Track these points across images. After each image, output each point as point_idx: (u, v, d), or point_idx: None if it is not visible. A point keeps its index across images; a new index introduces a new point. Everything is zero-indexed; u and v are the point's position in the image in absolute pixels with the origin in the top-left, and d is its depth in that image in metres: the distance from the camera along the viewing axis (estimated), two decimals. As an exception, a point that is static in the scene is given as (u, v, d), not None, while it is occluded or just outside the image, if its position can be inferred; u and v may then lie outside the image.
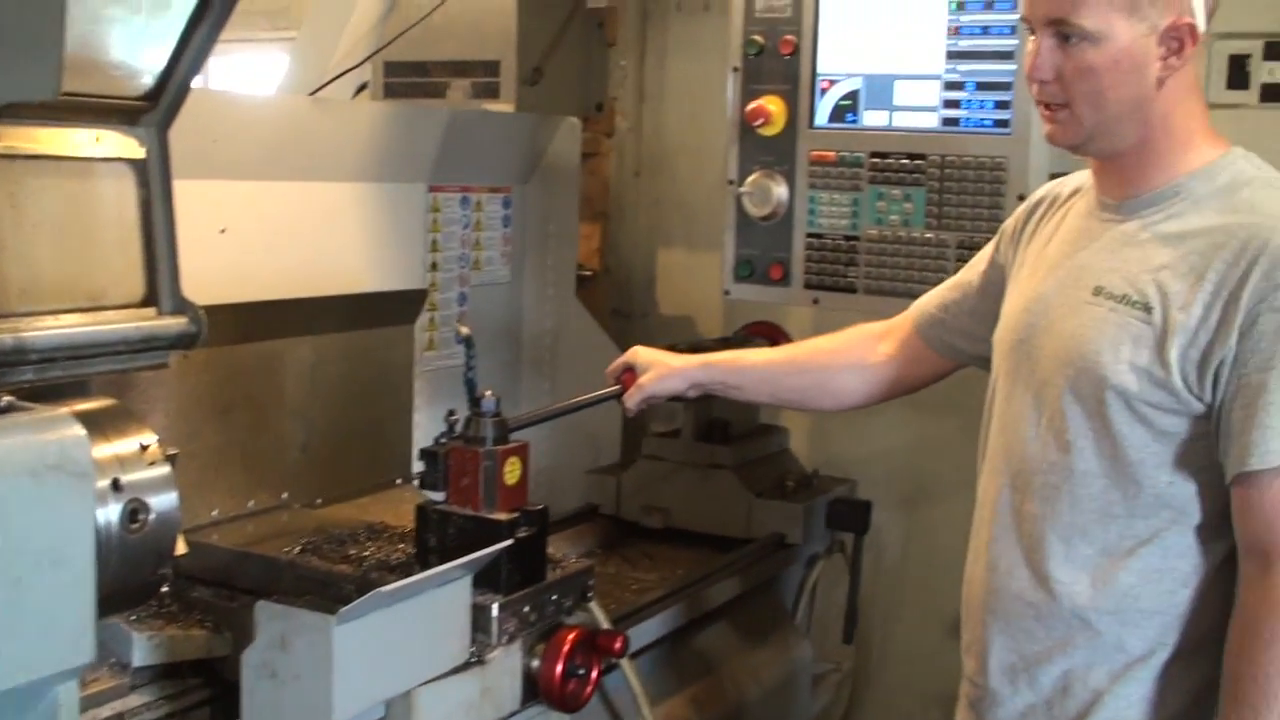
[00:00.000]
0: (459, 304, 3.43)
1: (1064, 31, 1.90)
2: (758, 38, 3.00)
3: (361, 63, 2.87)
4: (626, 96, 4.13)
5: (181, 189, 2.05)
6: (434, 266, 3.31)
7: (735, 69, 3.04)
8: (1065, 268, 2.05)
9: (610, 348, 3.55)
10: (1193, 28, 1.88)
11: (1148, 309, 1.89)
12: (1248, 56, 3.33)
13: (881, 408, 3.73)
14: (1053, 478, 1.99)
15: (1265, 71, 3.33)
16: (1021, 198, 2.57)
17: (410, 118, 3.17)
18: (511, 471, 2.20)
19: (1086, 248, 2.03)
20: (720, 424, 3.36)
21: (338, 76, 2.84)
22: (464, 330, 2.25)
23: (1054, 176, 2.31)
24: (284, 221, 2.74)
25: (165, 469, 1.85)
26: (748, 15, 3.02)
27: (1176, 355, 1.86)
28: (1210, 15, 1.92)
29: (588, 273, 4.06)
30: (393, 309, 2.85)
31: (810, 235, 3.01)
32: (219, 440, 2.49)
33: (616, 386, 2.55)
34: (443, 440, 2.23)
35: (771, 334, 3.45)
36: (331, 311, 2.71)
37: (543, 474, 3.66)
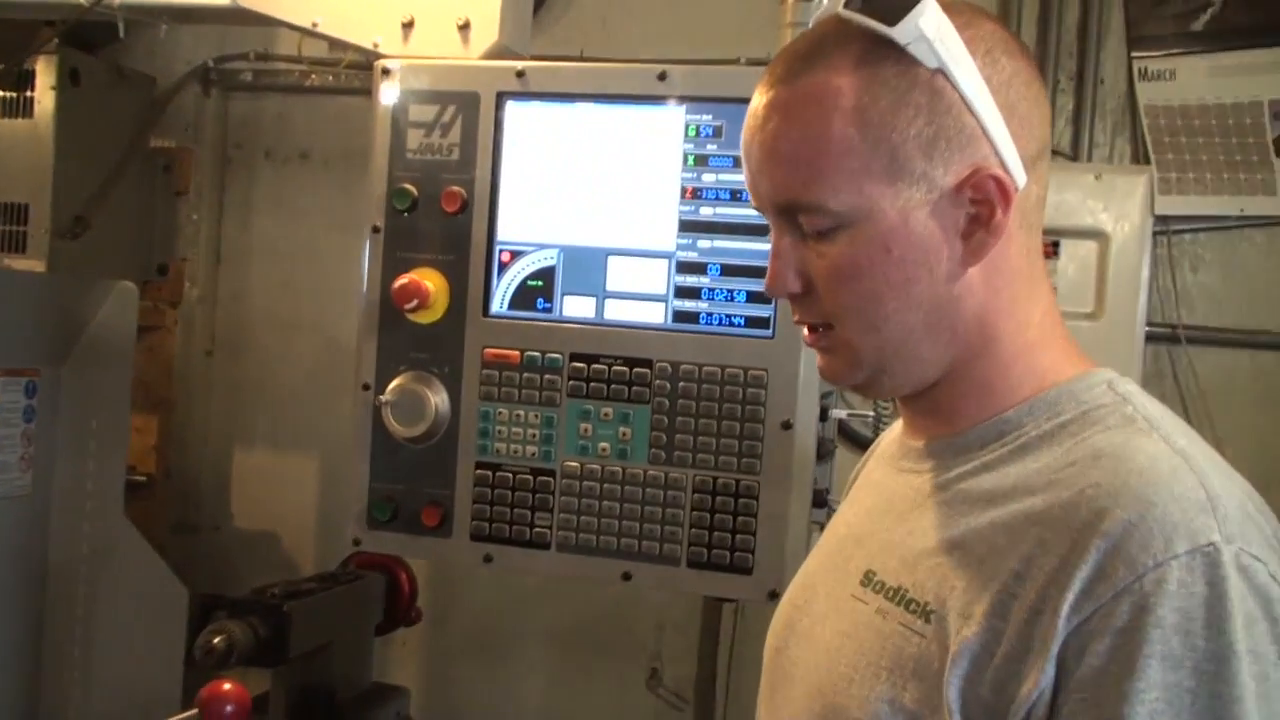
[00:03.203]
0: (-52, 525, 2.60)
1: (802, 221, 1.22)
2: (409, 186, 2.15)
3: None
4: (199, 258, 3.38)
5: None
6: (-90, 475, 2.46)
7: (376, 229, 2.17)
8: (839, 539, 1.36)
9: (171, 580, 2.79)
10: (1001, 181, 1.17)
11: (927, 614, 1.17)
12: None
13: (526, 648, 3.19)
14: None
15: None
16: (787, 425, 1.92)
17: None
18: None
19: (870, 510, 1.34)
20: (322, 691, 2.56)
21: None
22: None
23: (826, 397, 1.71)
24: None
25: None
26: (395, 154, 2.16)
27: (956, 693, 1.12)
28: (1038, 156, 1.22)
29: (140, 478, 3.25)
30: None
31: (482, 466, 2.16)
32: None
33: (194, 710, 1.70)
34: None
35: (390, 567, 2.72)
36: None
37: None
